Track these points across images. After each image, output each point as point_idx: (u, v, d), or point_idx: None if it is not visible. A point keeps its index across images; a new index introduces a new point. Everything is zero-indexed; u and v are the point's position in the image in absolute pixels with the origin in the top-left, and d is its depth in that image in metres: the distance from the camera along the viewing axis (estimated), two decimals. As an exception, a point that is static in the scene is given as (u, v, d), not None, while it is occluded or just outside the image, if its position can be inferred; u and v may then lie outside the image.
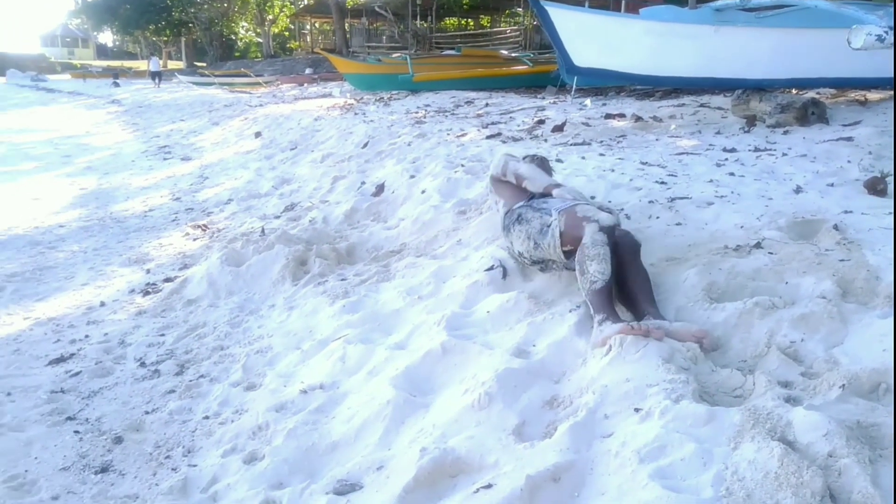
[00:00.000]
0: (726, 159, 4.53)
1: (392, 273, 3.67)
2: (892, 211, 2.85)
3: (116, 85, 30.06)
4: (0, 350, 3.44)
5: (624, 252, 2.51)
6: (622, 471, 1.68)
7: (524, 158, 3.44)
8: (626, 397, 1.93)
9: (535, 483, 1.67)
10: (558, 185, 2.98)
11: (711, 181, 3.88)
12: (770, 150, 4.71)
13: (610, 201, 3.62)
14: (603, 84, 9.01)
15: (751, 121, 5.86)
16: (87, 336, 3.55)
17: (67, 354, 3.32)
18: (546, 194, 2.97)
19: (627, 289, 2.47)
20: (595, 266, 2.36)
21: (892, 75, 5.09)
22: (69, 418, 2.73)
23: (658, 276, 2.65)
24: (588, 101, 8.13)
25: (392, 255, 3.97)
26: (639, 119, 6.70)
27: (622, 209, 3.43)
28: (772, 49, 6.04)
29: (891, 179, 3.41)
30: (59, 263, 4.99)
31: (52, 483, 2.32)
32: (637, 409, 1.87)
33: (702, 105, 7.30)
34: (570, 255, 2.56)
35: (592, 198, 3.56)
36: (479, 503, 1.68)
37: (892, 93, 6.63)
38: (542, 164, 3.51)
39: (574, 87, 7.29)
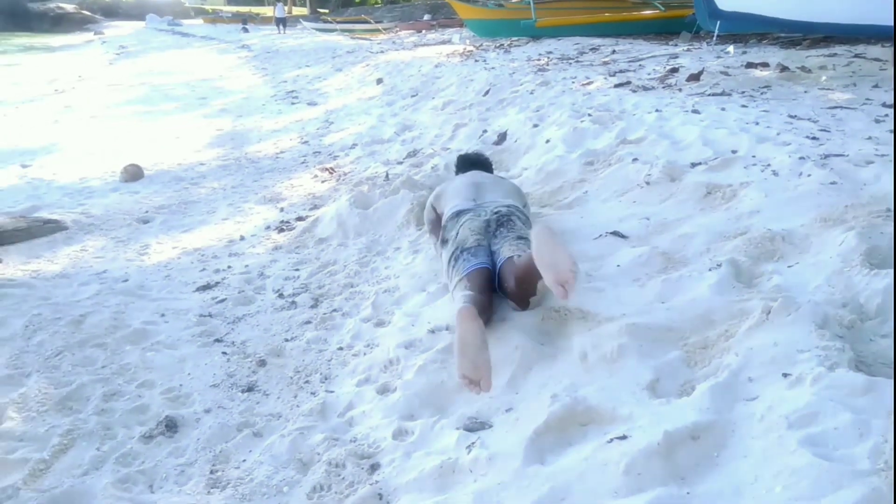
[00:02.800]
0: (886, 115, 4.12)
1: (516, 222, 3.65)
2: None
3: (245, 30, 31.25)
4: (154, 275, 3.77)
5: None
6: (768, 435, 1.61)
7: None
8: (773, 361, 1.84)
9: (673, 439, 1.65)
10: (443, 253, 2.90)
11: (870, 138, 3.55)
12: (939, 105, 4.24)
13: (754, 156, 3.40)
14: (746, 30, 8.36)
15: (916, 73, 5.28)
16: (229, 267, 3.81)
17: (213, 283, 3.59)
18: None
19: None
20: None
21: None
22: (217, 340, 2.96)
23: (809, 237, 2.48)
24: (731, 48, 7.58)
25: (515, 204, 3.95)
26: (784, 69, 6.19)
27: (768, 164, 3.22)
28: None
29: None
30: (201, 198, 5.35)
31: (204, 397, 2.54)
32: (785, 374, 1.78)
33: (856, 55, 6.63)
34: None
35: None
36: (614, 453, 1.68)
37: None
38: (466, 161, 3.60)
39: (716, 33, 6.81)
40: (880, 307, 2.05)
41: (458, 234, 2.79)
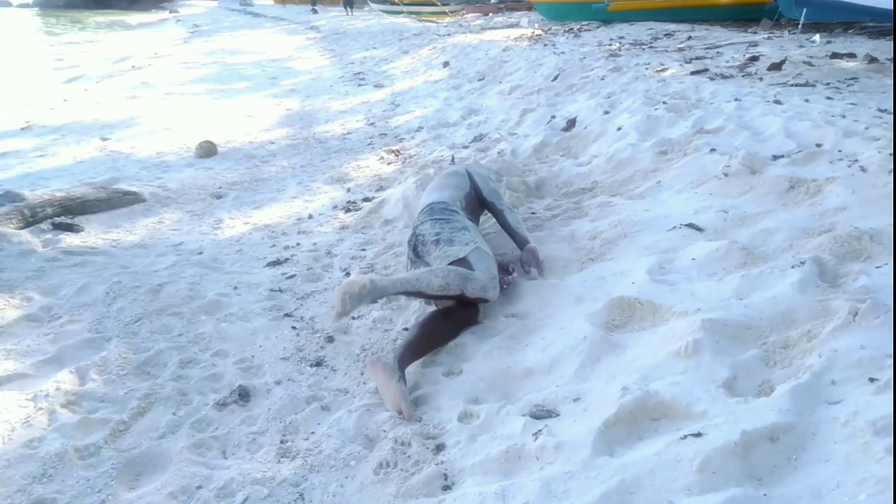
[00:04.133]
0: None
1: (584, 211, 3.60)
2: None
3: (314, 12, 31.69)
4: (227, 249, 3.89)
5: None
6: (852, 441, 1.55)
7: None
8: (859, 365, 1.76)
9: (751, 439, 1.60)
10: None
11: (971, 135, 3.34)
12: None
13: (840, 150, 3.25)
14: (833, 19, 7.95)
15: None
16: (298, 244, 3.90)
17: (283, 259, 3.67)
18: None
19: None
20: None
21: None
22: (287, 315, 3.04)
23: (906, 237, 2.36)
24: (817, 37, 7.23)
25: (583, 193, 3.89)
26: (873, 60, 5.87)
27: (856, 159, 3.07)
28: None
29: None
30: (271, 176, 5.48)
31: (274, 369, 2.61)
32: (872, 379, 1.70)
33: (953, 46, 6.25)
34: None
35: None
36: (688, 450, 1.64)
37: None
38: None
39: (802, 20, 6.50)
40: None
41: (416, 236, 2.91)
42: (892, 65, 4.86)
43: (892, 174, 2.81)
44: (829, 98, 4.47)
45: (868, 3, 5.31)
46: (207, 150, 6.10)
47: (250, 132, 7.20)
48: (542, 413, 2.03)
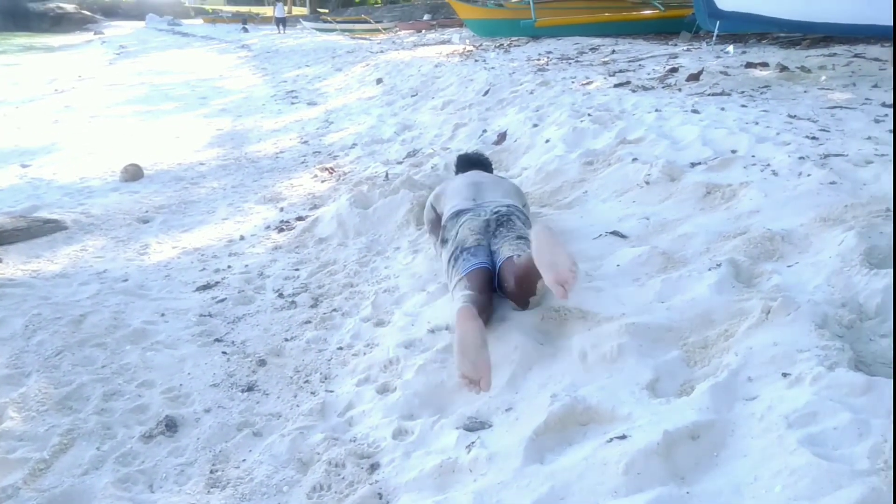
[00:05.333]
0: (885, 115, 4.12)
1: (516, 221, 3.65)
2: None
3: (245, 30, 31.26)
4: (154, 275, 3.77)
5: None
6: (767, 435, 1.62)
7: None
8: (772, 361, 1.84)
9: (673, 439, 1.65)
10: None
11: (869, 138, 3.56)
12: (939, 105, 4.24)
13: (753, 156, 3.41)
14: (746, 30, 8.36)
15: (915, 73, 5.28)
16: (229, 266, 3.81)
17: (213, 282, 3.59)
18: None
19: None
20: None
21: None
22: (217, 340, 2.96)
23: (809, 236, 2.49)
24: (730, 48, 7.59)
25: (515, 204, 3.95)
26: (784, 69, 6.19)
27: (768, 164, 3.23)
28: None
29: None
30: (201, 198, 5.35)
31: (203, 397, 2.54)
32: (785, 374, 1.78)
33: (856, 55, 6.64)
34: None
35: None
36: (613, 453, 1.68)
37: None
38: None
39: (716, 33, 6.81)
40: (880, 307, 2.05)
41: (457, 233, 2.79)
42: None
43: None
44: (743, 106, 4.69)
45: (863, 20, 5.60)
46: (133, 174, 5.92)
47: (179, 154, 7.02)
48: (475, 425, 2.04)
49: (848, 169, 3.03)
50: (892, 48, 5.10)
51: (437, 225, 3.13)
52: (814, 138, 3.60)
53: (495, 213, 2.82)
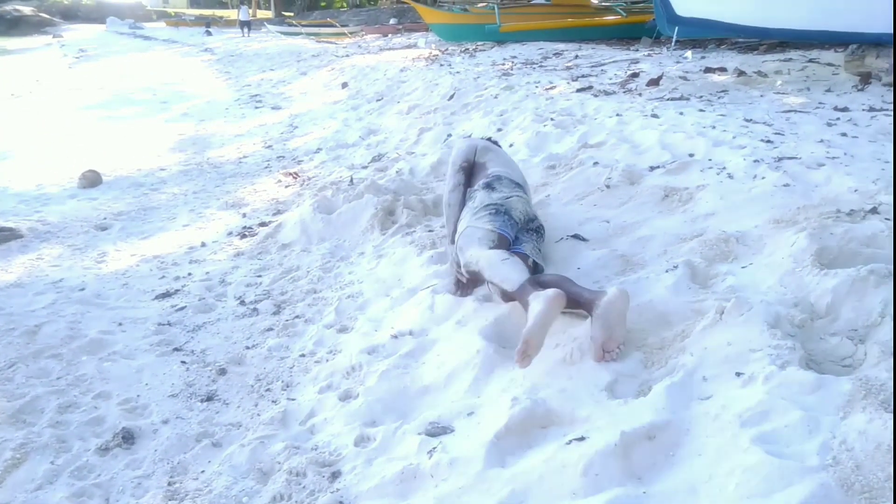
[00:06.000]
0: (838, 118, 4.24)
1: (480, 226, 3.66)
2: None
3: (209, 34, 30.84)
4: (111, 283, 3.69)
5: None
6: (721, 434, 1.65)
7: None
8: (727, 361, 1.88)
9: (630, 439, 1.67)
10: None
11: (822, 141, 3.65)
12: (886, 109, 4.38)
13: (710, 159, 3.47)
14: (704, 36, 8.54)
15: (865, 78, 5.44)
16: (189, 274, 3.75)
17: (172, 290, 3.53)
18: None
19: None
20: (497, 280, 2.40)
21: None
22: (176, 349, 2.91)
23: (763, 238, 2.54)
24: (689, 54, 7.74)
25: (479, 208, 3.96)
26: (741, 74, 6.34)
27: (724, 167, 3.29)
28: (895, -1, 5.54)
29: None
30: (161, 204, 5.26)
31: (161, 408, 2.50)
32: (739, 374, 1.82)
33: (810, 60, 6.83)
34: None
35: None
36: (572, 455, 1.69)
37: None
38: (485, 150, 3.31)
39: (674, 38, 6.94)
40: (830, 306, 2.11)
41: (508, 197, 2.79)
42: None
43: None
44: (701, 110, 4.78)
45: (818, 27, 5.74)
46: (92, 180, 5.80)
47: (139, 159, 6.90)
48: (437, 430, 2.04)
49: (801, 171, 3.11)
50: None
51: (466, 170, 3.08)
52: (768, 142, 3.69)
53: (536, 218, 2.87)
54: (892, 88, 5.05)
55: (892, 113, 4.26)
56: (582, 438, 1.73)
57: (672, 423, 1.72)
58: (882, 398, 1.60)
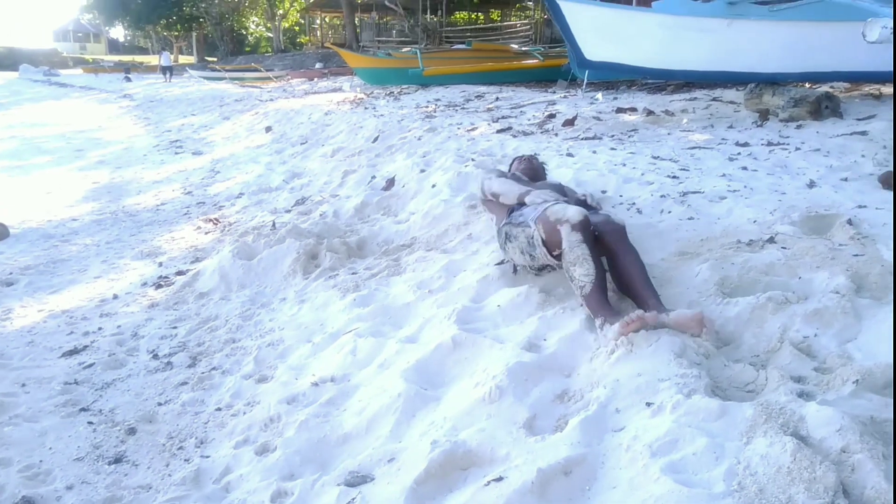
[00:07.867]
0: (739, 153, 4.50)
1: (402, 267, 3.67)
2: (893, 209, 2.82)
3: (128, 79, 30.16)
4: (15, 342, 3.48)
5: (608, 240, 2.52)
6: (633, 465, 1.68)
7: (512, 162, 3.59)
8: (637, 391, 1.92)
9: (546, 476, 1.68)
10: (528, 192, 2.94)
11: (724, 175, 3.86)
12: (783, 144, 4.68)
13: (621, 195, 3.61)
14: (614, 78, 8.97)
15: (763, 115, 5.82)
16: (100, 328, 3.58)
17: (81, 346, 3.35)
18: (521, 203, 2.95)
19: (621, 275, 2.48)
20: (579, 270, 2.37)
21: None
22: (83, 409, 2.75)
23: (670, 270, 2.64)
24: (599, 95, 8.11)
25: (402, 249, 3.97)
26: (650, 113, 6.66)
27: (633, 203, 3.42)
28: (785, 42, 5.97)
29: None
30: (72, 256, 5.03)
31: (66, 473, 2.34)
32: (649, 404, 1.86)
33: (714, 99, 7.25)
34: (560, 257, 2.54)
35: (587, 194, 3.55)
36: (490, 496, 1.68)
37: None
38: (529, 164, 3.54)
39: (585, 81, 7.26)
40: (732, 334, 2.20)
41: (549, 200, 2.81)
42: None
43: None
44: (612, 149, 4.98)
45: (717, 68, 6.11)
46: (-4, 234, 5.49)
47: (50, 210, 6.59)
48: (356, 480, 2.00)
49: (704, 205, 3.26)
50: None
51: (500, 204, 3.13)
52: (674, 177, 3.87)
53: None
54: (786, 124, 5.41)
55: (787, 147, 4.55)
56: (500, 479, 1.73)
57: (587, 457, 1.74)
58: (782, 421, 1.67)
